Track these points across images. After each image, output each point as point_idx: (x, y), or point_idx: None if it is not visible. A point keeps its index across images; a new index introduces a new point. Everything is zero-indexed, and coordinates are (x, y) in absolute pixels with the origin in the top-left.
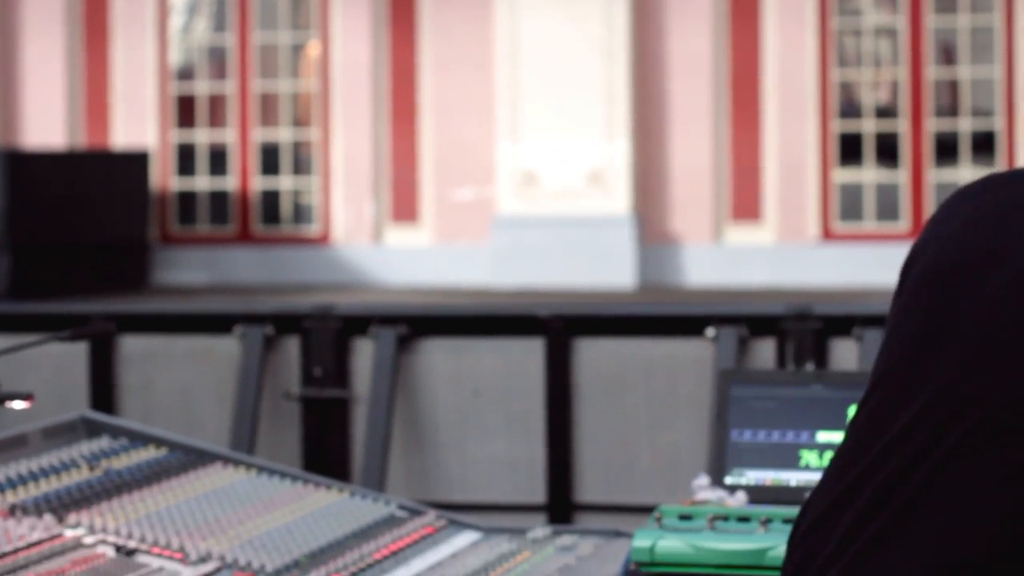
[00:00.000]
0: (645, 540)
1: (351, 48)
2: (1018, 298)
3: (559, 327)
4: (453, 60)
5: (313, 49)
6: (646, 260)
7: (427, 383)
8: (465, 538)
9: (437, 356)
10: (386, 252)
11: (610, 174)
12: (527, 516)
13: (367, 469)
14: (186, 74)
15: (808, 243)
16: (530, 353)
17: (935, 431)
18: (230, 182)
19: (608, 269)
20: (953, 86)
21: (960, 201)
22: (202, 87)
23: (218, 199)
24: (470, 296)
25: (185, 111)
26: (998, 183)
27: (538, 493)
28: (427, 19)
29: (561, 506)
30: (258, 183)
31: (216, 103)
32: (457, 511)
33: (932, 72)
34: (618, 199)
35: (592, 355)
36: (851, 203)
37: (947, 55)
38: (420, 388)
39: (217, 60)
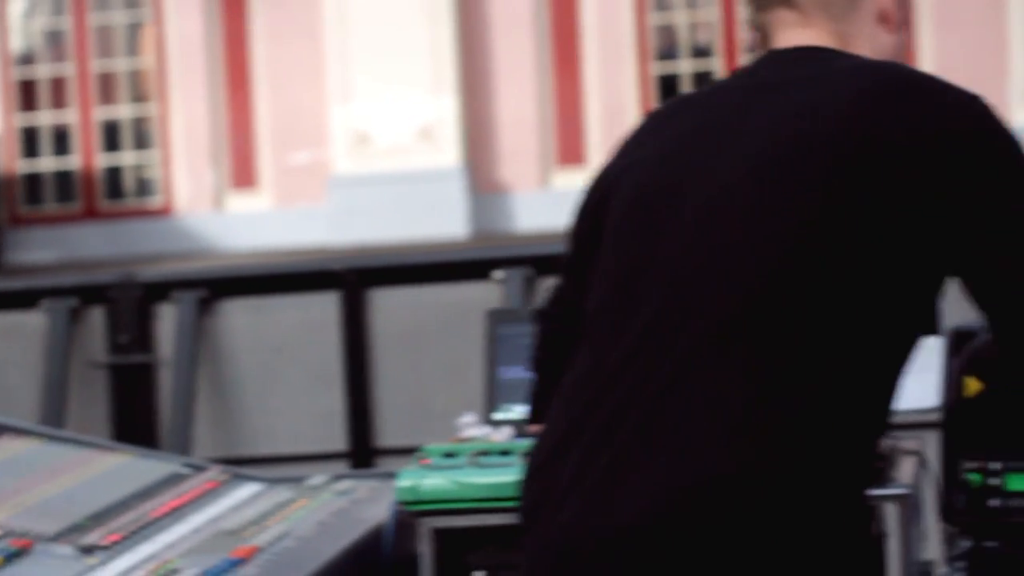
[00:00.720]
0: (408, 480)
1: (185, 23)
2: (713, 219)
3: (353, 280)
4: (284, 29)
5: (150, 29)
6: (478, 209)
7: (229, 343)
8: (247, 490)
9: (237, 316)
10: (228, 219)
11: (439, 129)
12: (332, 464)
13: (173, 431)
14: (27, 59)
15: None
16: (327, 307)
17: (656, 355)
18: (74, 161)
19: (442, 220)
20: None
21: (650, 127)
22: (43, 70)
23: (63, 178)
24: (310, 255)
25: (27, 95)
26: (682, 107)
27: (340, 441)
28: None
29: (363, 452)
30: (101, 160)
31: (57, 85)
32: (266, 464)
33: (744, 11)
34: (448, 153)
35: (387, 305)
36: None
37: None
38: (223, 349)
39: (56, 43)
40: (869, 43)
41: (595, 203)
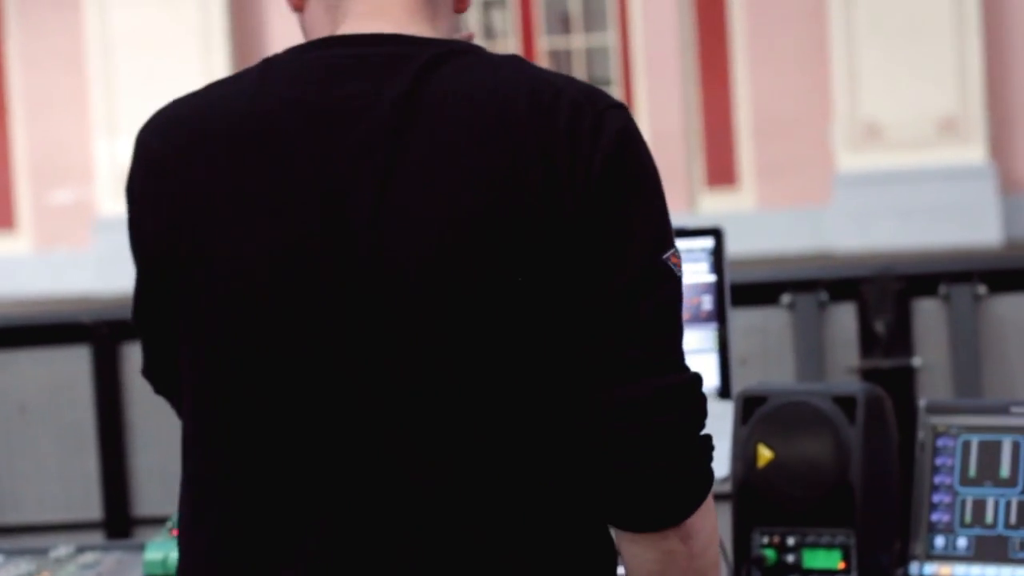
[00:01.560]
0: (156, 552)
1: None
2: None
3: (104, 334)
4: (43, 56)
5: None
6: None
7: None
8: None
9: None
10: None
11: None
12: (85, 534)
13: None
14: None
15: None
16: (77, 362)
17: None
18: None
19: None
20: (568, 55)
21: (198, 161)
22: None
23: None
24: (73, 304)
25: None
26: (238, 138)
27: (95, 510)
28: (13, 14)
29: (118, 522)
30: None
31: None
32: (12, 534)
33: (546, 42)
34: None
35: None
36: None
37: (562, 24)
38: None
39: None
40: (448, 21)
41: (163, 259)
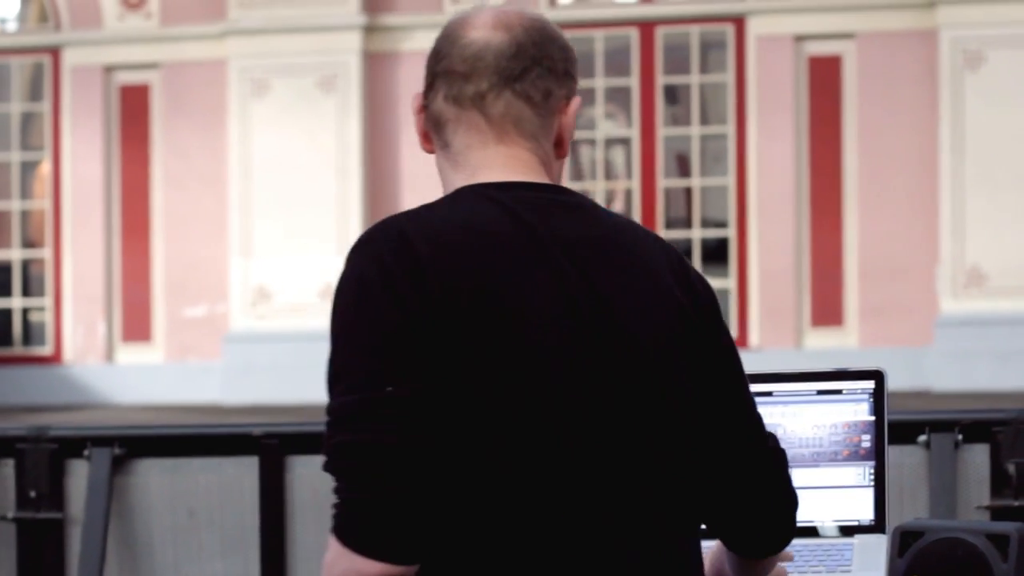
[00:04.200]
0: None
1: (82, 166)
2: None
3: (273, 445)
4: (185, 177)
5: (44, 168)
6: None
7: (142, 504)
8: None
9: (152, 476)
10: (118, 371)
11: None
12: None
13: None
14: None
15: None
16: (245, 472)
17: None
18: None
19: None
20: (686, 194)
21: (490, 270)
22: None
23: None
24: (199, 413)
25: None
26: (511, 259)
27: None
28: (159, 136)
29: None
30: None
31: None
32: None
33: (664, 181)
34: None
35: (305, 472)
36: None
37: (681, 165)
38: (135, 509)
39: None
40: (557, 167)
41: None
